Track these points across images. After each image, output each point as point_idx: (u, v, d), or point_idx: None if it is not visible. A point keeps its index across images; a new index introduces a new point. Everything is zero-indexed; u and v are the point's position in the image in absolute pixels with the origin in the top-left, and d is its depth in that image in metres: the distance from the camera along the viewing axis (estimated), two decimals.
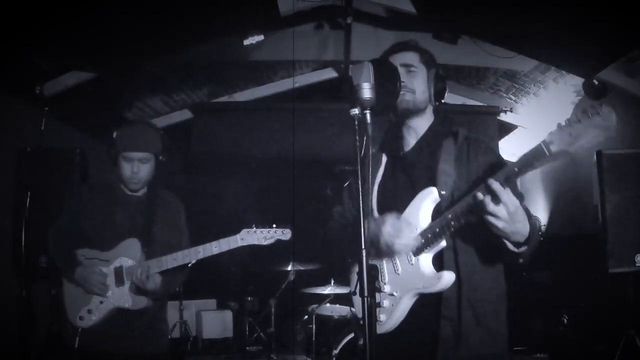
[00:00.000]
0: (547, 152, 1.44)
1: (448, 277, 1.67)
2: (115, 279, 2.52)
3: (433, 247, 1.69)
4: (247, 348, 5.51)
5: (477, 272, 1.73)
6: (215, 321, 5.88)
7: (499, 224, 1.51)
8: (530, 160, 1.48)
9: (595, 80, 4.58)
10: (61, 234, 2.61)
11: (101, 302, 2.49)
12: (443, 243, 1.69)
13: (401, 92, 1.76)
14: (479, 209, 1.53)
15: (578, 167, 5.53)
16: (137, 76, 5.13)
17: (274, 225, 2.56)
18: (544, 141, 1.45)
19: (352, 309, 1.93)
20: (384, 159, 1.96)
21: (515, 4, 3.62)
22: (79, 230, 2.57)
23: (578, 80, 4.85)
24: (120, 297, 2.50)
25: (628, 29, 3.47)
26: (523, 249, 1.60)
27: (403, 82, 1.77)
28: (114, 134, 2.57)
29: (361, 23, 4.92)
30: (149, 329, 2.58)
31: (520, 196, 1.63)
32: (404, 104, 1.81)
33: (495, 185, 1.47)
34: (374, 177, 1.91)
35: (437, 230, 1.66)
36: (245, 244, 2.54)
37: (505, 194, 1.48)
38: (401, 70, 1.80)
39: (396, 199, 1.81)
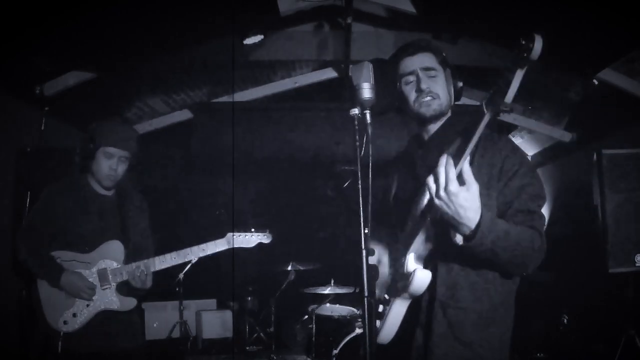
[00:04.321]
0: (485, 111, 1.33)
1: (421, 276, 1.56)
2: (100, 281, 2.50)
3: (414, 247, 1.61)
4: (247, 348, 5.51)
5: (460, 280, 1.61)
6: (215, 321, 5.88)
7: (436, 200, 1.41)
8: (475, 124, 1.37)
9: (595, 80, 4.57)
10: (32, 234, 2.53)
11: (87, 306, 2.47)
12: (429, 244, 1.60)
13: (427, 99, 1.73)
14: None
15: (578, 167, 5.53)
16: (137, 76, 5.12)
17: (253, 230, 2.74)
18: (484, 101, 1.35)
19: (359, 311, 1.91)
20: (402, 168, 1.91)
21: (515, 4, 3.62)
22: (50, 230, 2.51)
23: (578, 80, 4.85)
24: (107, 299, 2.51)
25: (628, 29, 3.47)
26: (468, 243, 1.45)
27: (427, 87, 1.73)
28: (94, 128, 2.55)
29: (361, 23, 4.91)
30: (127, 326, 2.60)
31: (536, 200, 1.58)
32: (430, 111, 1.74)
33: (444, 157, 1.38)
34: (392, 183, 1.88)
35: (414, 224, 1.60)
36: (230, 247, 2.69)
37: (444, 168, 1.38)
38: (422, 75, 1.74)
39: (407, 201, 1.77)
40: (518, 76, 1.25)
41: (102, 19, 3.45)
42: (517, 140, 6.65)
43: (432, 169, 1.67)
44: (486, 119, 1.31)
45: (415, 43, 1.82)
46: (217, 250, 2.66)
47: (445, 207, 1.40)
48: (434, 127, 1.81)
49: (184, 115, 6.25)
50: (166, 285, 5.55)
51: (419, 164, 1.81)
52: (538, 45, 1.20)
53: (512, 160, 1.65)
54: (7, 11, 3.17)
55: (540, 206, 1.63)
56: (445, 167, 1.38)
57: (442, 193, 1.39)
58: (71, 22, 3.44)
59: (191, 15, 3.80)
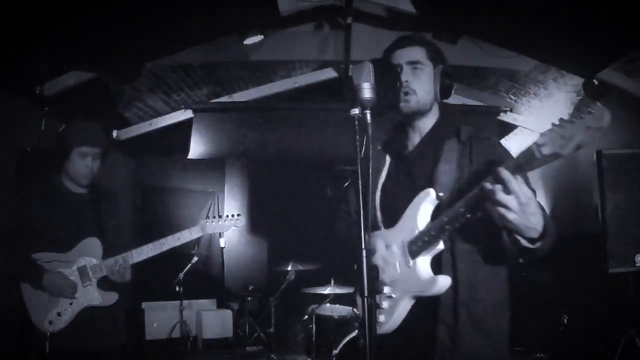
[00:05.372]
0: (538, 155, 1.37)
1: (443, 281, 1.63)
2: (81, 278, 2.53)
3: (430, 251, 1.67)
4: (247, 348, 5.51)
5: (476, 276, 1.69)
6: (215, 321, 5.88)
7: (510, 215, 1.43)
8: (521, 162, 1.42)
9: (595, 80, 4.58)
10: (11, 236, 2.53)
11: (71, 304, 2.49)
12: (440, 246, 1.66)
13: (404, 95, 1.75)
14: (488, 200, 1.46)
15: (578, 167, 5.53)
16: (137, 76, 5.12)
17: (227, 215, 2.73)
18: (535, 143, 1.38)
19: (355, 310, 1.92)
20: (388, 159, 1.92)
21: (515, 4, 3.62)
22: (29, 231, 2.52)
23: (578, 80, 4.85)
24: (89, 296, 2.53)
25: (628, 29, 3.47)
26: (538, 244, 1.51)
27: (406, 81, 1.75)
28: (64, 130, 2.61)
29: (361, 23, 4.92)
30: (112, 324, 2.63)
31: (532, 192, 1.59)
32: (407, 107, 1.77)
33: (505, 173, 1.41)
34: (377, 177, 1.88)
35: (433, 233, 1.63)
36: (205, 233, 2.70)
37: (516, 183, 1.41)
38: (407, 68, 1.76)
39: (398, 201, 1.78)
40: (579, 138, 1.33)
41: (102, 19, 3.45)
42: (517, 139, 6.65)
43: (428, 172, 1.73)
44: (538, 163, 1.40)
45: (409, 36, 1.84)
46: (192, 237, 2.65)
47: (518, 219, 1.44)
48: (421, 125, 1.84)
49: (184, 115, 6.25)
50: (166, 285, 5.56)
51: (412, 165, 1.83)
52: (607, 118, 1.29)
53: (501, 159, 1.70)
54: (7, 11, 3.17)
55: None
56: (513, 182, 1.42)
57: (517, 207, 1.43)
58: (71, 22, 3.44)
59: (191, 15, 3.80)
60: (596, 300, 4.50)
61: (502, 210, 1.44)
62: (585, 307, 4.69)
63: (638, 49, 3.97)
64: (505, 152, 1.77)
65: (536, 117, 5.95)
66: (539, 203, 1.50)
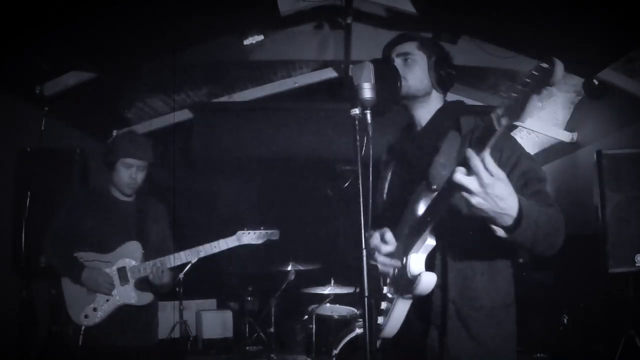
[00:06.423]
0: (497, 126, 1.24)
1: (426, 279, 1.52)
2: (120, 278, 2.69)
3: (419, 247, 1.57)
4: (247, 348, 5.52)
5: (470, 277, 1.60)
6: (215, 321, 5.88)
7: (473, 199, 1.29)
8: (483, 136, 1.28)
9: (595, 80, 4.58)
10: (58, 236, 2.72)
11: (107, 300, 2.65)
12: (430, 242, 1.57)
13: None
14: (455, 187, 1.31)
15: (578, 167, 5.53)
16: (137, 76, 5.12)
17: (262, 227, 2.91)
18: (495, 113, 1.25)
19: (357, 310, 1.90)
20: (394, 161, 1.91)
21: (515, 4, 3.62)
22: (75, 233, 2.70)
23: (578, 80, 4.85)
24: (126, 294, 2.69)
25: (628, 29, 3.47)
26: (515, 233, 1.36)
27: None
28: (112, 141, 2.82)
29: (361, 23, 4.91)
30: (144, 324, 2.78)
31: (541, 181, 1.53)
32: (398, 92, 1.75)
33: (468, 152, 1.27)
34: (384, 178, 1.87)
35: (417, 227, 1.55)
36: (241, 244, 2.86)
37: (478, 161, 1.25)
38: (398, 60, 1.78)
39: (401, 197, 1.75)
40: (534, 100, 1.18)
41: (102, 19, 3.46)
42: (517, 139, 6.64)
43: (426, 164, 1.68)
44: (497, 135, 1.25)
45: (401, 34, 1.87)
46: (228, 246, 2.82)
47: (483, 203, 1.29)
48: (421, 116, 1.81)
49: (184, 115, 6.25)
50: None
51: (412, 158, 1.81)
52: (559, 71, 1.13)
53: (509, 149, 1.64)
54: (7, 11, 3.17)
55: (545, 187, 1.61)
56: (474, 161, 1.27)
57: (478, 188, 1.28)
58: (71, 22, 3.44)
59: (191, 15, 3.80)
60: (596, 300, 4.50)
61: (465, 194, 1.30)
62: (585, 307, 4.69)
63: (638, 49, 3.97)
64: (515, 143, 1.67)
65: (536, 117, 5.95)
66: (544, 192, 1.40)
